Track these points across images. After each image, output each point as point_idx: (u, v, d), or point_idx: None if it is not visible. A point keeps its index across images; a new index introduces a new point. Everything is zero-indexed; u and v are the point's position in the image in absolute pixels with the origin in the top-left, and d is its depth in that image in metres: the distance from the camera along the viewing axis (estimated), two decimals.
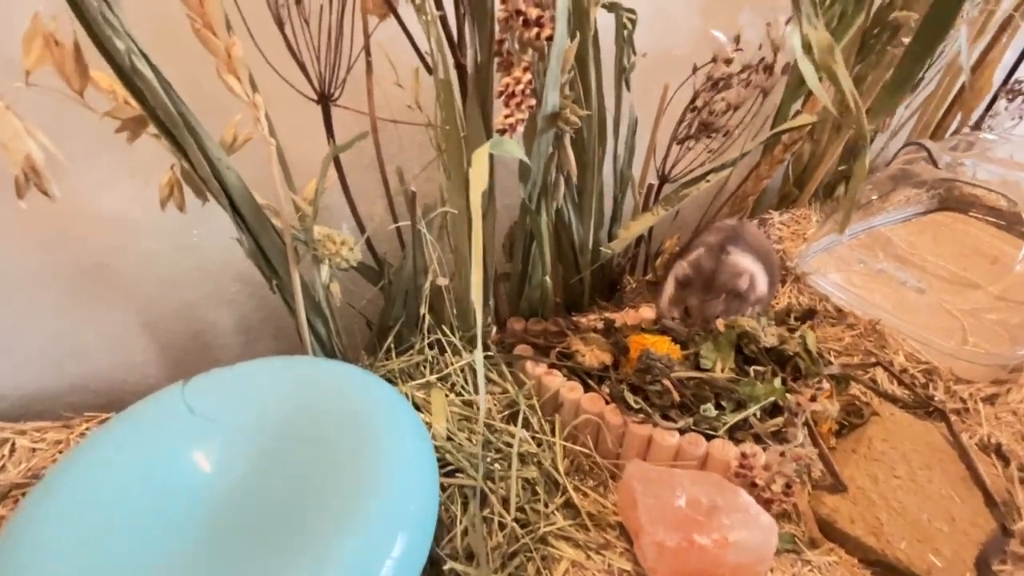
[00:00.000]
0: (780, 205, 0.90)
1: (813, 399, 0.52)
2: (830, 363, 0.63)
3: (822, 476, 0.57)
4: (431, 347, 0.66)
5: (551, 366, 0.65)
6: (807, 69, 0.51)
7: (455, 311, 0.67)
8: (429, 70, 0.50)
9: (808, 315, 0.74)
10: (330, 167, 0.48)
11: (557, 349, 0.69)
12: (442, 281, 0.61)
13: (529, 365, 0.65)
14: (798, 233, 0.86)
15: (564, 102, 0.50)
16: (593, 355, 0.65)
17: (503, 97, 0.45)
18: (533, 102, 0.45)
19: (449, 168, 0.53)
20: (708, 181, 0.68)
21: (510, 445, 0.59)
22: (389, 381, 0.65)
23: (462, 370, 0.66)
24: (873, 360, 0.66)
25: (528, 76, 0.44)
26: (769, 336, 0.62)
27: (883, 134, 0.89)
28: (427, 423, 0.60)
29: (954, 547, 0.50)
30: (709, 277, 0.64)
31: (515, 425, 0.61)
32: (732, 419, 0.57)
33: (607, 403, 0.60)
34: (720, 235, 0.70)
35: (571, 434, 0.61)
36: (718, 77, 0.61)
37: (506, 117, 0.45)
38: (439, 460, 0.57)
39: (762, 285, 0.69)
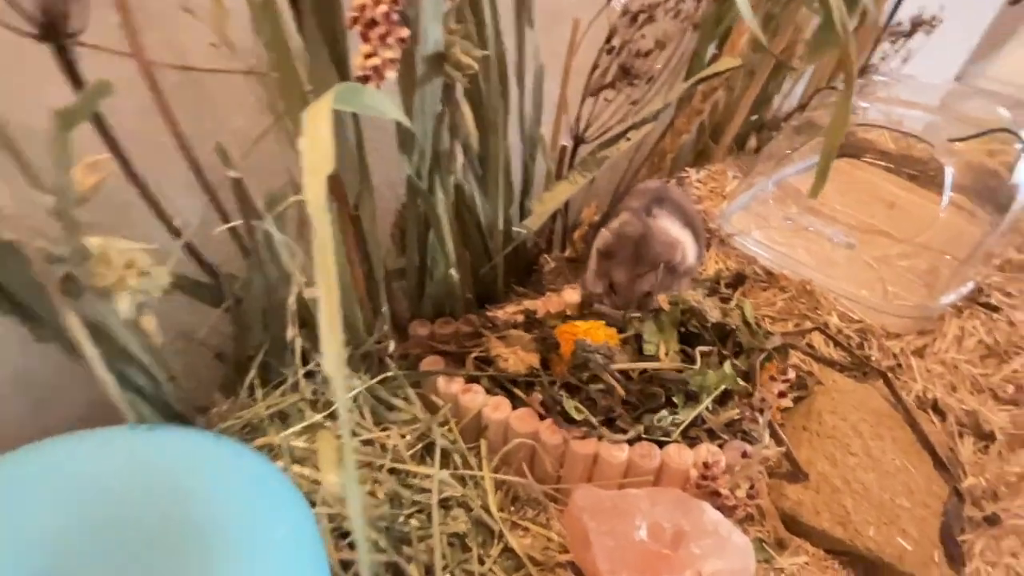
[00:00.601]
0: (696, 162, 0.83)
1: (783, 395, 0.45)
2: (770, 334, 0.58)
3: (778, 463, 0.51)
4: (309, 377, 0.50)
5: (468, 379, 0.53)
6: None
7: None
8: None
9: (739, 281, 0.69)
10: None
11: (474, 354, 0.57)
12: (313, 292, 0.45)
13: (442, 382, 0.52)
14: (716, 191, 0.81)
15: (451, 38, 0.36)
16: (517, 358, 0.54)
17: (358, 27, 0.30)
18: (404, 32, 0.30)
19: (295, 137, 0.37)
20: (629, 139, 0.57)
21: (428, 490, 0.46)
22: (255, 430, 0.49)
23: (355, 399, 0.51)
24: (811, 325, 0.62)
25: None
26: (713, 311, 0.54)
27: (790, 80, 0.86)
28: (312, 480, 0.46)
29: (918, 524, 0.47)
30: (637, 248, 0.55)
31: (431, 463, 0.48)
32: (686, 417, 0.49)
33: (541, 418, 0.50)
34: (644, 199, 0.61)
35: (502, 460, 0.50)
36: (638, 9, 0.50)
37: (367, 57, 0.30)
38: (335, 530, 0.43)
39: (692, 254, 0.62)
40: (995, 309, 0.64)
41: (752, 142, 0.88)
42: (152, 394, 0.44)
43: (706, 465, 0.44)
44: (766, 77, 0.75)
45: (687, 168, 0.81)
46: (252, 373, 0.50)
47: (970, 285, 0.64)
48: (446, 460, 0.49)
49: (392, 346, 0.52)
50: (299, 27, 0.33)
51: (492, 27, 0.41)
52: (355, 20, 0.30)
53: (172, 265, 0.38)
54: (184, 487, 0.35)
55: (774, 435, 0.49)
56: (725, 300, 0.65)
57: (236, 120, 0.44)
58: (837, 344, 0.61)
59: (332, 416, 0.49)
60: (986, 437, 0.54)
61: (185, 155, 0.38)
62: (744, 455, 0.45)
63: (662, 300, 0.54)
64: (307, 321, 0.49)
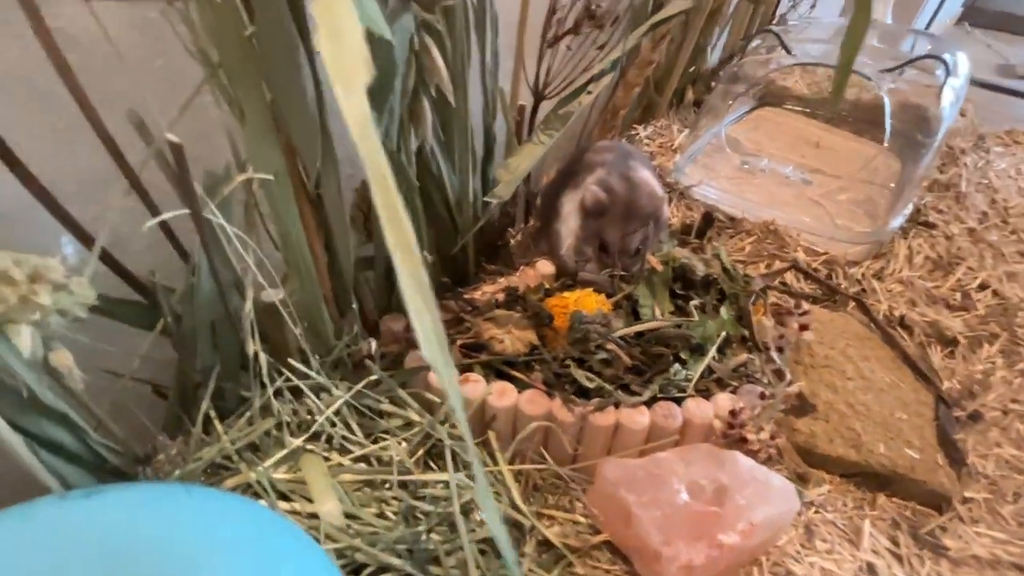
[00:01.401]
0: (642, 118, 0.82)
1: (804, 328, 0.44)
2: (749, 276, 0.58)
3: (784, 399, 0.51)
4: (279, 395, 0.42)
5: (462, 368, 0.48)
6: None
7: (302, 329, 0.44)
8: None
9: (708, 223, 0.68)
10: None
11: (459, 342, 0.52)
12: (272, 295, 0.38)
13: (433, 376, 0.47)
14: (665, 146, 0.81)
15: None
16: (513, 338, 0.49)
17: None
18: None
19: (238, 99, 0.29)
20: (590, 92, 0.54)
21: (444, 499, 0.41)
22: (223, 469, 0.40)
23: (338, 412, 0.44)
24: (782, 264, 0.63)
25: None
26: (699, 265, 0.53)
27: (719, 29, 0.87)
28: (308, 515, 0.39)
29: (918, 433, 0.49)
30: (627, 201, 0.52)
31: (440, 467, 0.43)
32: (697, 370, 0.47)
33: (551, 397, 0.46)
34: (612, 154, 0.59)
35: (516, 449, 0.46)
36: None
37: None
38: (347, 565, 0.37)
39: (667, 203, 0.60)
40: (932, 226, 0.68)
41: (689, 95, 0.88)
42: (76, 450, 0.34)
43: (733, 413, 0.42)
44: (701, 26, 0.75)
45: (635, 125, 0.80)
46: (205, 404, 0.41)
47: (910, 207, 0.68)
48: (455, 460, 0.44)
49: (373, 346, 0.45)
50: None
51: None
52: None
53: (87, 279, 0.29)
54: (155, 559, 0.27)
55: (777, 373, 0.49)
56: (697, 250, 0.65)
57: (145, 81, 0.35)
58: (808, 278, 0.63)
59: (315, 436, 0.42)
60: (950, 343, 0.58)
61: (94, 127, 0.29)
62: (762, 396, 0.44)
63: (653, 261, 0.51)
64: (267, 332, 0.42)
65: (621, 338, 0.49)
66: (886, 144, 0.72)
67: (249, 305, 0.36)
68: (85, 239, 0.31)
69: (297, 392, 0.43)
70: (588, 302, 0.52)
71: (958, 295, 0.63)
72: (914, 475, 0.46)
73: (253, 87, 0.28)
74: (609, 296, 0.52)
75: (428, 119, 0.40)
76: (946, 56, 0.71)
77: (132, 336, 0.37)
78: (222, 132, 0.30)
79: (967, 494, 0.47)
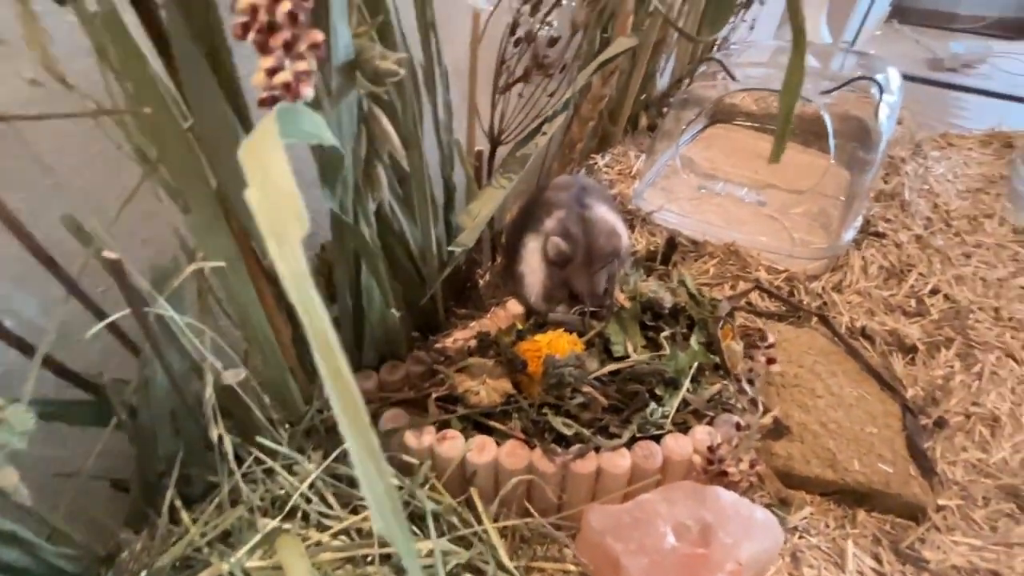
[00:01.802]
0: (599, 148, 0.84)
1: (771, 361, 0.45)
2: (716, 300, 0.59)
3: (759, 430, 0.52)
4: (249, 477, 0.41)
5: (439, 426, 0.47)
6: None
7: (268, 401, 0.43)
8: None
9: (671, 247, 0.69)
10: None
11: (434, 395, 0.51)
12: (233, 376, 0.37)
13: (410, 437, 0.46)
14: (624, 173, 0.82)
15: (363, 43, 0.30)
16: (488, 388, 0.49)
17: (251, 36, 0.23)
18: (318, 36, 0.24)
19: (180, 190, 0.28)
20: (545, 133, 0.55)
21: (429, 566, 0.40)
22: (195, 562, 0.38)
23: (312, 485, 0.43)
24: (746, 285, 0.64)
25: None
26: (666, 296, 0.54)
27: (665, 55, 0.90)
28: None
29: (888, 445, 0.50)
30: (587, 246, 0.52)
31: (424, 533, 0.42)
32: (673, 405, 0.47)
33: (531, 447, 0.45)
34: (569, 192, 0.59)
35: (499, 504, 0.45)
36: None
37: (270, 73, 0.23)
38: None
39: (626, 236, 0.61)
40: (883, 236, 0.71)
41: (643, 121, 0.90)
42: (26, 566, 0.32)
43: (711, 449, 0.43)
44: (648, 56, 0.77)
45: (593, 155, 0.81)
46: (170, 493, 0.39)
47: (860, 219, 0.71)
48: (438, 523, 0.43)
49: None
50: (160, 50, 0.25)
51: (398, 26, 0.35)
52: (246, 27, 0.23)
53: (30, 391, 0.28)
54: None
55: (752, 401, 0.50)
56: (663, 276, 0.66)
57: (81, 178, 0.34)
58: (772, 296, 0.65)
59: (290, 514, 0.41)
60: (910, 350, 0.60)
61: (19, 237, 0.27)
62: (738, 427, 0.45)
63: (621, 298, 0.52)
64: (231, 411, 0.40)
65: (596, 378, 0.49)
66: (832, 161, 0.75)
67: (210, 391, 0.35)
68: (24, 348, 0.29)
69: (269, 468, 0.42)
70: (560, 344, 0.52)
71: (913, 302, 0.65)
72: (889, 489, 0.47)
73: (196, 178, 0.27)
74: (581, 335, 0.53)
75: (383, 181, 0.39)
76: (878, 76, 0.75)
77: (83, 435, 0.36)
78: (165, 223, 0.29)
79: (940, 502, 0.48)
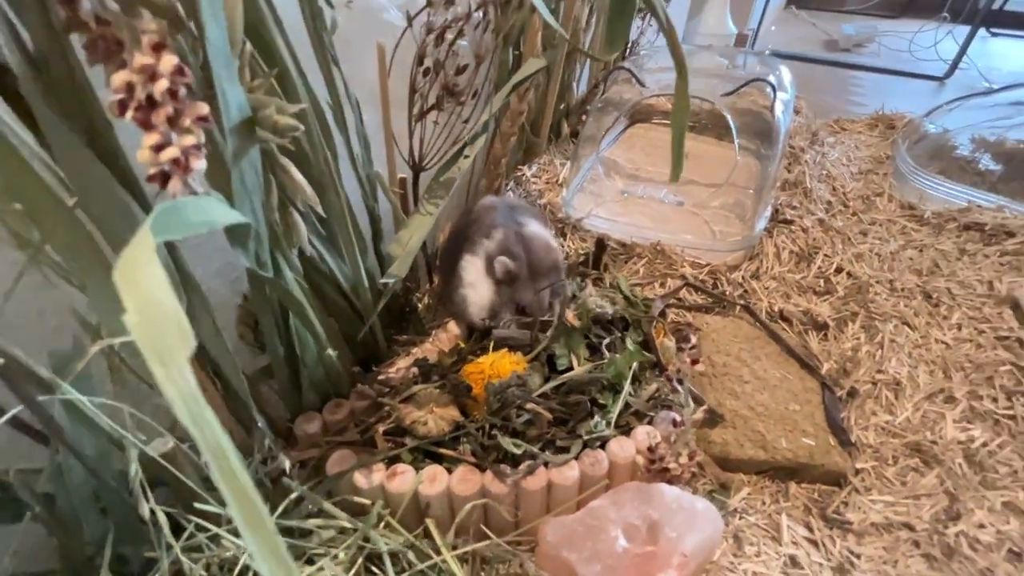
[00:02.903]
0: (525, 159, 0.85)
1: (695, 362, 0.48)
2: (649, 300, 0.62)
3: (694, 423, 0.55)
4: (191, 547, 0.39)
5: (390, 460, 0.47)
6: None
7: (204, 462, 0.41)
8: None
9: (601, 248, 0.71)
10: None
11: (382, 429, 0.51)
12: (160, 446, 0.35)
13: (359, 477, 0.45)
14: (552, 182, 0.84)
15: (258, 98, 0.30)
16: (436, 417, 0.49)
17: (129, 113, 0.22)
18: (203, 109, 0.23)
19: (75, 269, 0.27)
20: (467, 156, 0.55)
21: None
22: None
23: None
24: (674, 282, 0.68)
25: (171, 61, 0.22)
26: (607, 304, 0.56)
27: (579, 65, 0.93)
28: None
29: (810, 420, 0.54)
30: (529, 262, 0.54)
31: (383, 572, 0.41)
32: (615, 411, 0.49)
33: (482, 471, 0.46)
34: (498, 212, 0.60)
35: (456, 532, 0.45)
36: (442, 25, 0.48)
37: (157, 150, 0.23)
38: None
39: (559, 249, 0.63)
40: (790, 222, 0.77)
41: (565, 128, 0.93)
42: None
43: (650, 449, 0.45)
44: (562, 68, 0.80)
45: (520, 167, 0.82)
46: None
47: (770, 209, 0.77)
48: (397, 561, 0.43)
49: (287, 463, 0.43)
50: (31, 127, 0.24)
51: (297, 73, 0.35)
52: (123, 105, 0.22)
53: None
54: None
55: (687, 396, 0.52)
56: (597, 281, 0.69)
57: None
58: (698, 290, 0.68)
59: None
60: (822, 328, 0.66)
61: None
62: (675, 424, 0.47)
63: (570, 316, 0.53)
64: (164, 479, 0.38)
65: (541, 394, 0.50)
66: (738, 157, 0.80)
67: (135, 466, 0.33)
68: None
69: (214, 534, 0.40)
70: (503, 364, 0.53)
71: (821, 282, 0.71)
72: (813, 461, 0.52)
73: (91, 256, 0.26)
74: (528, 351, 0.54)
75: (301, 227, 0.38)
76: (771, 77, 0.81)
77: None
78: (62, 301, 0.27)
79: (858, 465, 0.53)
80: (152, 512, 0.36)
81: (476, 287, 0.56)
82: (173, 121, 0.23)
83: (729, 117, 0.78)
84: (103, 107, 0.25)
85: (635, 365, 0.52)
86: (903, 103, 1.21)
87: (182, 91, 0.22)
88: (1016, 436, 0.54)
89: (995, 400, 0.57)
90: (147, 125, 0.22)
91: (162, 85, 0.22)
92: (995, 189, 0.86)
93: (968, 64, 1.66)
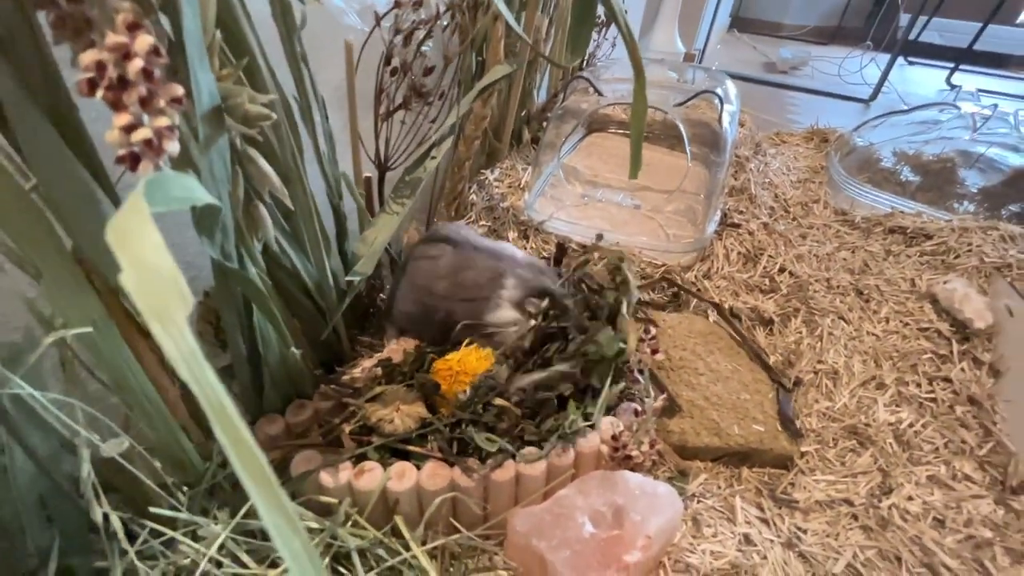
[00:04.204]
0: (488, 164, 0.87)
1: (655, 352, 0.50)
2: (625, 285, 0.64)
3: (654, 412, 0.58)
4: (146, 554, 0.37)
5: (356, 460, 0.46)
6: (503, 5, 0.43)
7: (159, 466, 0.39)
8: None
9: (562, 254, 0.73)
10: None
11: (348, 428, 0.50)
12: (114, 447, 0.34)
13: (325, 476, 0.45)
14: (514, 185, 0.86)
15: (229, 87, 0.29)
16: (402, 415, 0.49)
17: (99, 92, 0.22)
18: (179, 91, 0.23)
19: (30, 256, 0.26)
20: (434, 157, 0.56)
21: None
22: None
23: (222, 547, 0.40)
24: (658, 277, 0.70)
25: (147, 40, 0.22)
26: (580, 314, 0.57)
27: (540, 73, 0.95)
28: None
29: (760, 408, 0.58)
30: (546, 288, 0.55)
31: (353, 573, 0.41)
32: (595, 407, 0.50)
33: (450, 465, 0.46)
34: (456, 242, 0.59)
35: (425, 527, 0.45)
36: (410, 27, 0.49)
37: (127, 130, 0.22)
38: None
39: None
40: (737, 226, 0.82)
41: (526, 134, 0.95)
42: None
43: (614, 438, 0.47)
44: (524, 75, 0.82)
45: (483, 171, 0.84)
46: None
47: (719, 213, 0.81)
48: (365, 559, 0.42)
49: None
50: None
51: (265, 66, 0.35)
52: (92, 84, 0.22)
53: None
54: None
55: (647, 387, 0.55)
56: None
57: None
58: (672, 285, 0.72)
59: None
60: (768, 323, 0.70)
61: None
62: (636, 414, 0.49)
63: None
64: (117, 483, 0.37)
65: (518, 389, 0.50)
66: (689, 164, 0.85)
67: (87, 467, 0.32)
68: None
69: (169, 539, 0.39)
70: (470, 360, 0.53)
71: (766, 281, 0.76)
72: (763, 446, 0.55)
73: (47, 242, 0.25)
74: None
75: (267, 220, 0.38)
76: (718, 90, 0.86)
77: None
78: (16, 277, 0.26)
79: (803, 449, 0.57)
80: (105, 517, 0.35)
81: (513, 324, 0.55)
82: (146, 102, 0.22)
83: (681, 126, 0.83)
84: (68, 87, 0.24)
85: (618, 359, 0.53)
86: (834, 120, 1.32)
87: (157, 72, 0.22)
88: (938, 417, 0.59)
89: (919, 385, 0.62)
90: (118, 105, 0.22)
91: (136, 65, 0.22)
92: (914, 197, 0.95)
93: (889, 88, 1.82)
